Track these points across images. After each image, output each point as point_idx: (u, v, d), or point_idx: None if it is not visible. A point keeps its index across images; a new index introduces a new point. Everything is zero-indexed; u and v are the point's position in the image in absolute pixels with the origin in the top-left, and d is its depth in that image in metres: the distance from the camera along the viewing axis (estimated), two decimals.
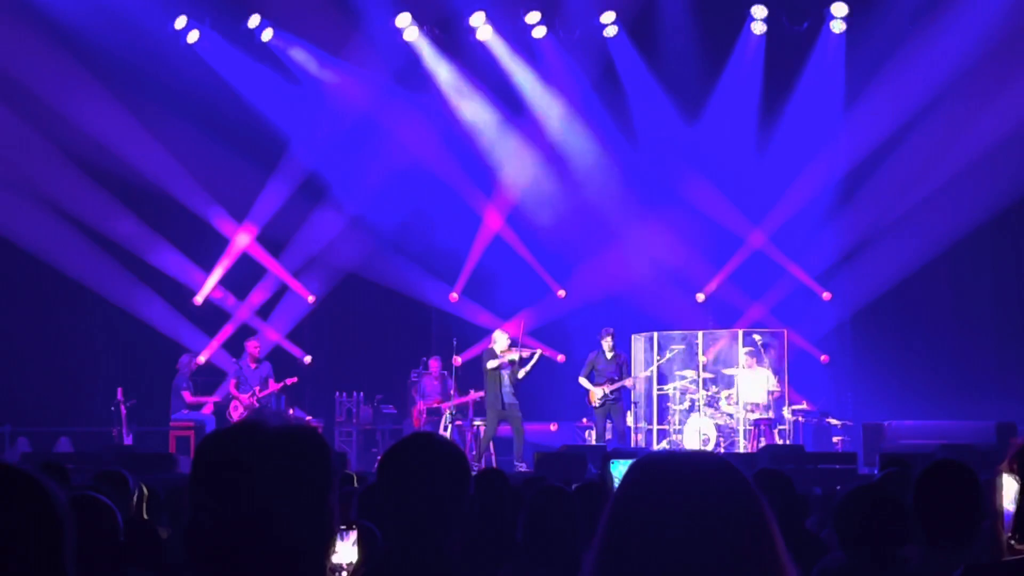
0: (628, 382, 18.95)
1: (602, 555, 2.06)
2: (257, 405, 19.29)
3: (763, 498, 2.08)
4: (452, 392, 19.35)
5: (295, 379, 20.04)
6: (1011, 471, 3.18)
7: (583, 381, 18.94)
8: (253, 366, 19.68)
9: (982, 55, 19.66)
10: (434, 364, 19.84)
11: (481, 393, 19.09)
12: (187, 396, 19.57)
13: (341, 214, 22.71)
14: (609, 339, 18.90)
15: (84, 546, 2.50)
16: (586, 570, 2.08)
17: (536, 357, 18.80)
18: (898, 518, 5.01)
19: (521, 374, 18.70)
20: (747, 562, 2.01)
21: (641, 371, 20.47)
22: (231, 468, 2.33)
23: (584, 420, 20.08)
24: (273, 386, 19.60)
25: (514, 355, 18.68)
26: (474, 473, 13.06)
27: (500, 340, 18.86)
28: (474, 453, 18.63)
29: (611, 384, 18.71)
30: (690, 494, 2.04)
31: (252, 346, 19.96)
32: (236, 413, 19.18)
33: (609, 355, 18.88)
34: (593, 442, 18.62)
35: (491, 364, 18.60)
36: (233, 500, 2.29)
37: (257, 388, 19.45)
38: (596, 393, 18.75)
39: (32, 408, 20.61)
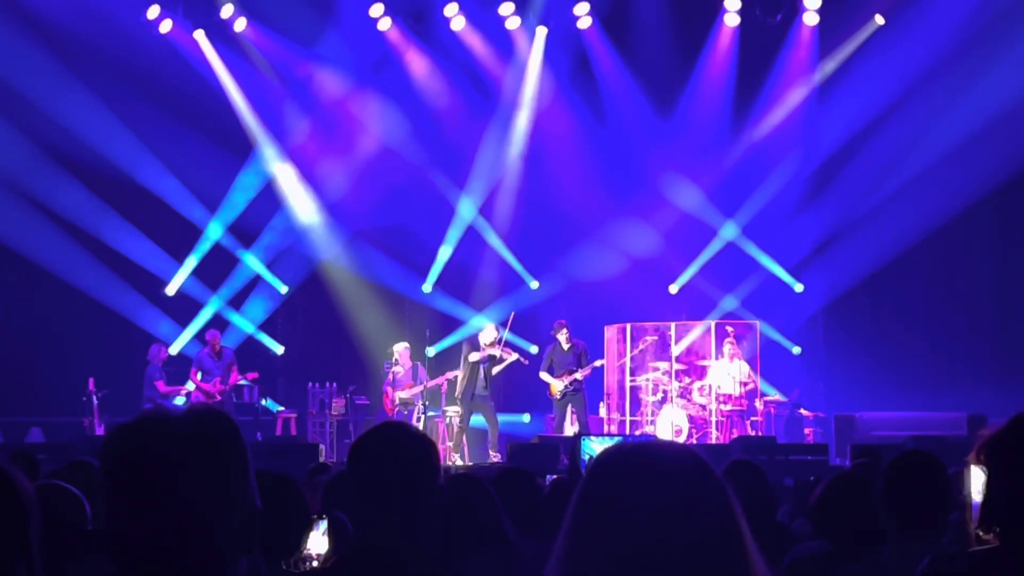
0: (581, 374, 18.85)
1: (568, 541, 2.06)
2: (219, 398, 19.22)
3: (729, 488, 2.08)
4: (424, 380, 19.32)
5: (256, 374, 20.06)
6: (978, 462, 3.19)
7: (544, 375, 18.95)
8: (215, 358, 19.63)
9: (955, 47, 19.72)
10: (403, 355, 19.78)
11: (455, 373, 19.04)
12: (161, 386, 19.49)
13: (314, 204, 22.70)
14: (564, 332, 18.87)
15: (51, 535, 2.49)
16: (553, 556, 2.08)
17: (512, 359, 18.82)
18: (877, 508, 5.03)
19: (495, 370, 18.73)
20: (713, 550, 2.02)
21: (610, 375, 20.42)
22: (142, 461, 2.29)
23: None
24: (235, 376, 19.55)
25: (495, 351, 18.70)
26: (454, 463, 13.00)
27: (488, 332, 18.87)
28: (448, 444, 18.64)
29: (569, 375, 18.70)
30: (656, 483, 2.04)
31: (211, 336, 19.93)
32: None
33: (566, 347, 18.86)
34: (565, 433, 18.62)
35: (473, 357, 18.63)
36: (149, 492, 2.25)
37: (219, 379, 19.39)
38: (556, 386, 18.77)
39: (3, 398, 20.52)
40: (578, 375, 18.71)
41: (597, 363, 19.36)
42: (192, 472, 2.26)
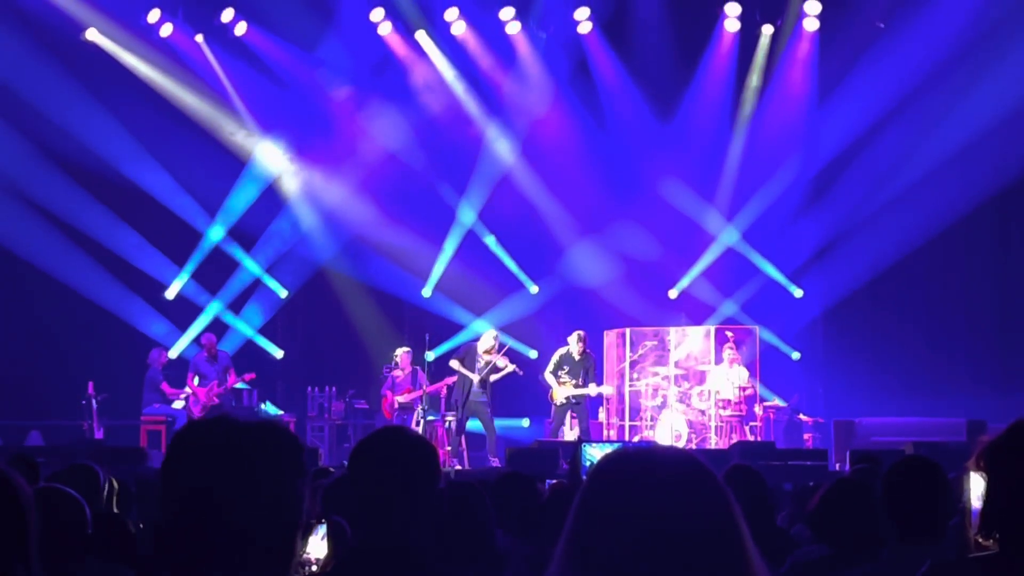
0: (591, 391, 18.80)
1: (569, 546, 2.07)
2: (216, 401, 19.21)
3: (730, 493, 2.09)
4: (424, 384, 19.29)
5: (253, 375, 20.03)
6: (978, 469, 3.19)
7: (548, 377, 18.77)
8: (210, 361, 19.62)
9: (954, 51, 19.72)
10: (404, 359, 19.78)
11: (453, 379, 19.02)
12: (166, 388, 19.54)
13: (314, 208, 22.71)
14: (580, 345, 18.73)
15: (51, 538, 2.50)
16: (554, 560, 2.08)
17: (509, 370, 18.71)
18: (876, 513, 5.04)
19: (493, 378, 18.62)
20: (714, 554, 2.02)
21: (609, 380, 20.33)
22: (204, 458, 2.33)
23: None
24: (232, 379, 19.53)
25: (490, 358, 18.57)
26: (452, 468, 12.97)
27: (487, 339, 18.79)
28: (447, 448, 18.59)
29: (576, 389, 18.56)
30: (657, 487, 2.05)
31: (206, 340, 19.93)
32: (196, 408, 19.13)
33: (577, 357, 18.73)
34: (563, 438, 18.57)
35: (454, 364, 18.66)
36: (205, 490, 2.29)
37: (215, 383, 19.38)
38: (559, 392, 18.66)
39: (2, 401, 20.51)
40: (581, 392, 18.61)
41: (605, 392, 19.41)
42: (249, 476, 2.31)
